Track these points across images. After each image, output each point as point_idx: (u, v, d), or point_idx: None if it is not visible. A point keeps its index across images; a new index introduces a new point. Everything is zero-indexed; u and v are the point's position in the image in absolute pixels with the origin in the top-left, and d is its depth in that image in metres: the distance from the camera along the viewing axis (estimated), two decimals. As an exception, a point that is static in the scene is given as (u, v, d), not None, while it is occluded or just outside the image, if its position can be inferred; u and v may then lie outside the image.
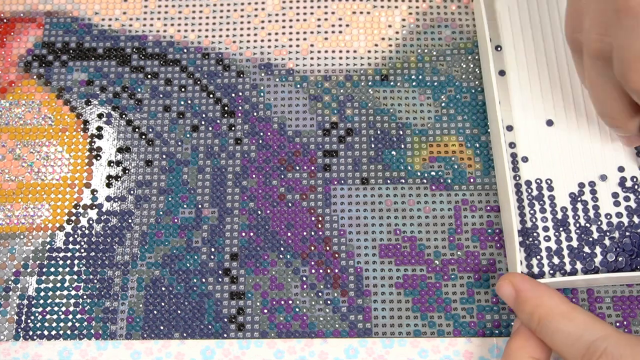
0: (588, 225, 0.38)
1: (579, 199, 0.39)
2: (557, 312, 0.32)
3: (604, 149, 0.40)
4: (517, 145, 0.40)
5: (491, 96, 0.39)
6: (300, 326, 0.38)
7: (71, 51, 0.44)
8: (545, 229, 0.38)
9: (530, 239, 0.38)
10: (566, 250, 0.38)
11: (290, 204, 0.40)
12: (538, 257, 0.38)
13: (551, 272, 0.38)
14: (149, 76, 0.43)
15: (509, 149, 0.40)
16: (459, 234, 0.39)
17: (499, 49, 0.42)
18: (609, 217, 0.39)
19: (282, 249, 0.39)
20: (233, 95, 0.43)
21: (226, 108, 0.42)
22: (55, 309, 0.39)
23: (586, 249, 0.38)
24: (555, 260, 0.38)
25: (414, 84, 0.42)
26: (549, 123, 0.40)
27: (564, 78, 0.41)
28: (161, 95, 0.43)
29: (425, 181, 0.40)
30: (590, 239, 0.38)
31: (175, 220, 0.40)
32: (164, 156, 0.41)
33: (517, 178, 0.39)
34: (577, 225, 0.38)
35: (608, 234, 0.38)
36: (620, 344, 0.30)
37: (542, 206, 0.39)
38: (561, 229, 0.38)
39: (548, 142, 0.40)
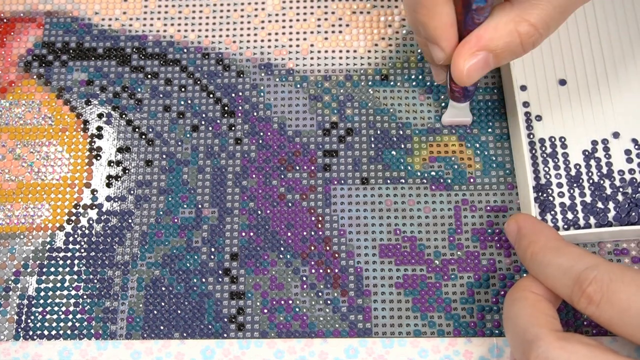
0: (601, 181, 0.39)
1: (592, 156, 0.40)
2: (549, 247, 0.33)
3: (617, 107, 0.41)
4: (531, 104, 0.41)
5: None
6: (300, 326, 0.38)
7: (71, 51, 0.44)
8: (559, 185, 0.39)
9: (545, 195, 0.39)
10: (580, 205, 0.39)
11: (290, 204, 0.40)
12: (552, 212, 0.39)
13: (565, 226, 0.38)
14: (149, 76, 0.43)
15: (522, 108, 0.41)
16: (459, 234, 0.39)
17: None
18: (621, 173, 0.39)
19: (282, 249, 0.39)
20: (233, 95, 0.43)
21: (226, 108, 0.42)
22: (55, 309, 0.39)
23: (599, 204, 0.39)
24: (569, 215, 0.39)
25: (414, 84, 0.42)
26: (562, 82, 0.41)
27: (576, 38, 0.42)
28: (161, 95, 0.43)
29: (425, 181, 0.40)
30: (604, 195, 0.39)
31: (175, 220, 0.40)
32: (164, 156, 0.41)
33: (531, 136, 0.40)
34: (591, 181, 0.39)
35: (621, 189, 0.39)
36: (609, 270, 0.30)
37: (555, 163, 0.40)
38: (575, 185, 0.39)
39: (561, 101, 0.41)
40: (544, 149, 0.40)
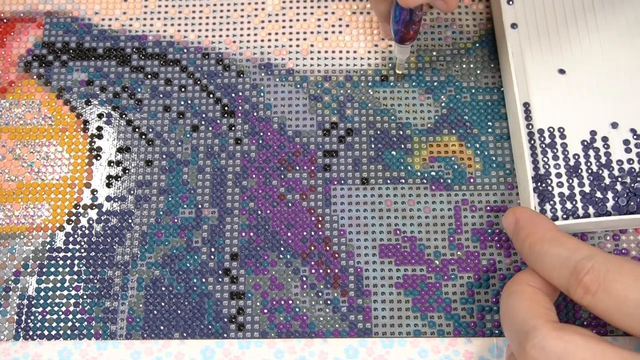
0: (600, 171, 0.39)
1: (591, 146, 0.40)
2: (547, 238, 0.33)
3: (615, 97, 0.41)
4: (530, 95, 0.41)
5: (504, 48, 0.41)
6: (300, 326, 0.38)
7: (71, 51, 0.44)
8: (558, 175, 0.39)
9: (544, 185, 0.39)
10: (579, 195, 0.39)
11: (290, 204, 0.40)
12: (551, 202, 0.39)
13: (564, 216, 0.39)
14: (149, 76, 0.43)
15: (521, 98, 0.41)
16: (459, 234, 0.39)
17: (510, 2, 0.43)
18: (620, 163, 0.40)
19: (282, 249, 0.39)
20: (233, 95, 0.43)
21: (226, 108, 0.42)
22: (55, 309, 0.39)
23: (598, 194, 0.39)
24: (568, 205, 0.39)
25: (414, 84, 0.42)
26: (561, 72, 0.42)
27: (575, 29, 0.42)
28: (161, 95, 0.43)
29: (425, 181, 0.40)
30: (602, 185, 0.39)
31: (175, 220, 0.40)
32: (164, 156, 0.41)
33: (530, 127, 0.40)
34: (589, 171, 0.39)
35: (619, 179, 0.39)
36: (607, 260, 0.30)
37: (554, 153, 0.40)
38: (574, 175, 0.39)
39: (560, 91, 0.41)
40: (542, 139, 0.40)
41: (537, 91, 0.41)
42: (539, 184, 0.39)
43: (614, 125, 0.40)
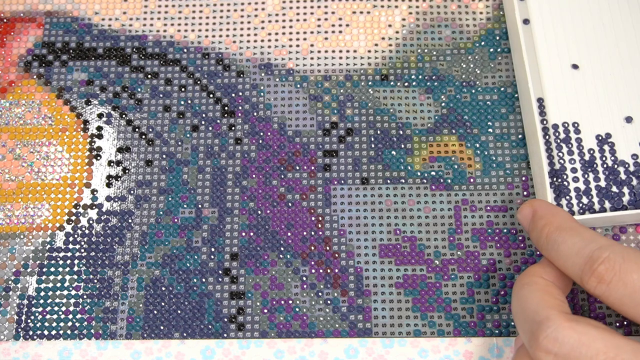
0: (615, 166, 0.39)
1: (605, 141, 0.40)
2: (564, 227, 0.33)
3: (629, 92, 0.41)
4: (544, 90, 0.41)
5: (517, 44, 0.41)
6: (300, 326, 0.38)
7: (71, 51, 0.44)
8: (574, 170, 0.39)
9: (559, 180, 0.39)
10: (594, 190, 0.39)
11: (290, 204, 0.40)
12: (567, 197, 0.39)
13: (581, 211, 0.38)
14: (149, 76, 0.43)
15: (535, 94, 0.41)
16: (459, 234, 0.39)
17: None
18: (635, 157, 0.40)
19: (282, 249, 0.39)
20: (233, 95, 0.43)
21: (226, 108, 0.42)
22: (55, 309, 0.39)
23: (614, 189, 0.39)
24: (585, 200, 0.39)
25: (414, 84, 0.42)
26: (574, 67, 0.41)
27: (588, 24, 0.42)
28: (161, 95, 0.43)
29: (425, 181, 0.40)
30: (618, 179, 0.39)
31: (175, 220, 0.40)
32: (164, 156, 0.41)
33: (544, 122, 0.40)
34: (605, 166, 0.39)
35: (635, 174, 0.39)
36: (622, 251, 0.30)
37: (569, 148, 0.40)
38: (589, 170, 0.39)
39: (574, 86, 0.41)
40: (557, 134, 0.40)
41: (551, 87, 0.41)
42: (555, 179, 0.39)
43: (629, 119, 0.40)
